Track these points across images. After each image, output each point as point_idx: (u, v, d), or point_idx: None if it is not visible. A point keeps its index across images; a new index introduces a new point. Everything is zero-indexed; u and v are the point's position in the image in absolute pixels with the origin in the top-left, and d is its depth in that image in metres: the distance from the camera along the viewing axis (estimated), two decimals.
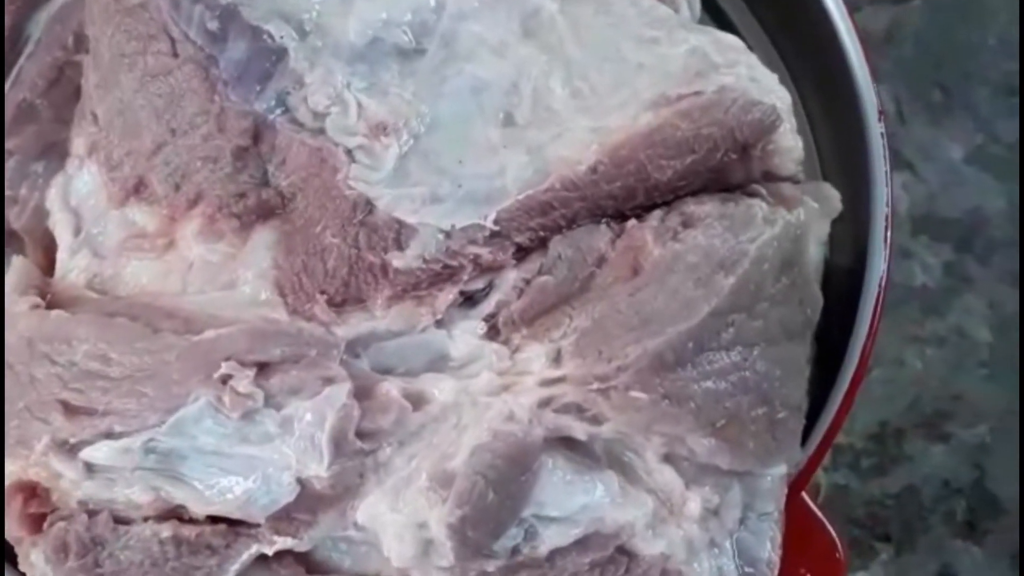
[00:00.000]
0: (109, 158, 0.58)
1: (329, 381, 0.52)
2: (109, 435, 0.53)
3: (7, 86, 0.61)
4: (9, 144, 0.61)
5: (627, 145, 0.54)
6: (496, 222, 0.54)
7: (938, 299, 0.91)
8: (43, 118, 0.61)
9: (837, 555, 0.66)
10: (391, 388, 0.53)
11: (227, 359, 0.52)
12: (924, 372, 0.91)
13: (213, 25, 0.56)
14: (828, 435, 0.64)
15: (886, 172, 0.67)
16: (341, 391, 0.52)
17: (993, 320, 0.92)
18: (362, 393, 0.52)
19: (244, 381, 0.51)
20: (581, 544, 0.54)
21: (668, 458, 0.55)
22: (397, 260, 0.54)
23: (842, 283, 0.66)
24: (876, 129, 0.66)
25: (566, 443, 0.55)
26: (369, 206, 0.54)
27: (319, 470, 0.51)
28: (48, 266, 0.63)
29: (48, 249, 0.64)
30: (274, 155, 0.56)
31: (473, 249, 0.54)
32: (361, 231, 0.54)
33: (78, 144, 0.61)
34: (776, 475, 0.58)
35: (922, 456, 0.90)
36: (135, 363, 0.53)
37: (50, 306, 0.58)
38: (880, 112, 0.67)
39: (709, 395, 0.53)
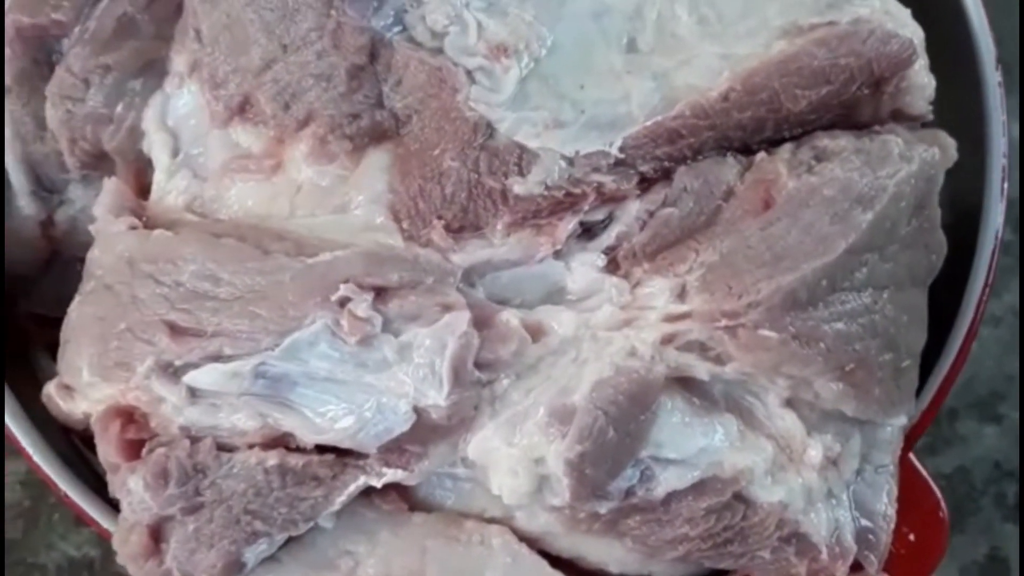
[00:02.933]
0: (213, 76, 0.56)
1: (447, 308, 0.50)
2: (218, 358, 0.50)
3: (104, 2, 0.58)
4: (107, 59, 0.58)
5: (761, 72, 0.52)
6: (621, 149, 0.52)
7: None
8: (143, 34, 0.59)
9: (941, 515, 0.63)
10: (511, 318, 0.50)
11: (345, 282, 0.49)
12: (979, 352, 0.89)
13: None
14: (940, 392, 0.61)
15: (1003, 122, 0.64)
16: (461, 319, 0.50)
17: None
18: (480, 322, 0.50)
19: (363, 305, 0.49)
20: (697, 488, 0.52)
21: (790, 403, 0.53)
22: (518, 186, 0.52)
23: (950, 236, 0.63)
24: (993, 78, 0.64)
25: (684, 383, 0.53)
26: (490, 129, 0.52)
27: (438, 399, 0.49)
28: (139, 189, 0.61)
29: (140, 172, 0.62)
30: (390, 75, 0.53)
31: (597, 177, 0.52)
32: (482, 155, 0.52)
33: (179, 62, 0.58)
34: (896, 426, 0.55)
35: (975, 437, 0.88)
36: (247, 284, 0.51)
37: (147, 228, 0.56)
38: (997, 61, 0.65)
39: (840, 337, 0.51)
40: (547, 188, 0.52)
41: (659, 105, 0.52)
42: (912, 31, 0.54)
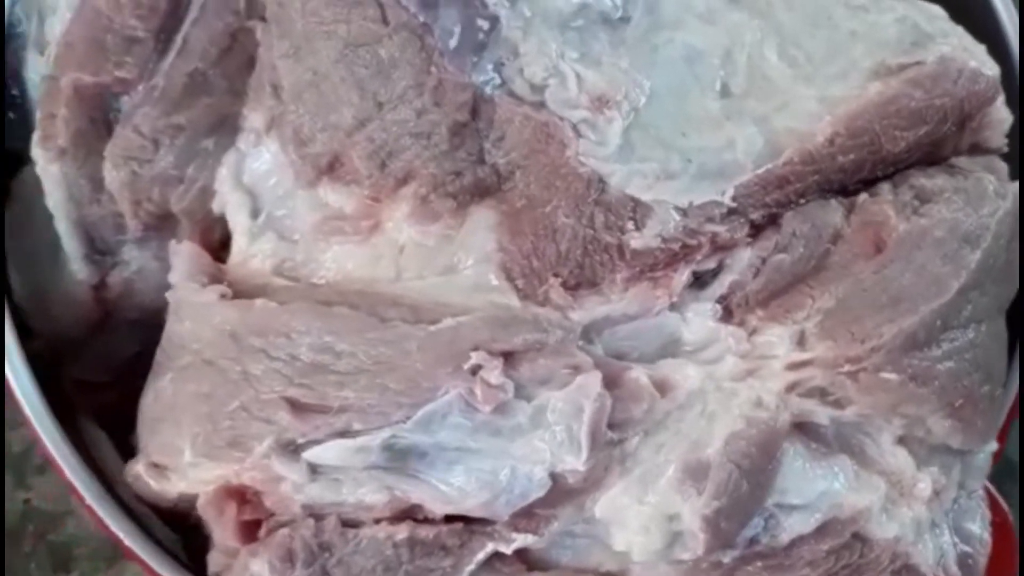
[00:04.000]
0: (297, 134, 0.54)
1: (577, 369, 0.50)
2: (344, 433, 0.49)
3: (171, 57, 0.56)
4: (179, 118, 0.56)
5: (864, 115, 0.53)
6: (733, 198, 0.52)
7: None
8: (216, 90, 0.57)
9: (1009, 533, 0.65)
10: (640, 375, 0.50)
11: (474, 349, 0.48)
12: None
13: None
14: (1011, 412, 0.63)
15: None
16: (594, 380, 0.49)
17: None
18: (609, 381, 0.50)
19: (495, 372, 0.48)
20: (819, 531, 0.53)
21: (902, 440, 0.54)
22: (635, 240, 0.51)
23: None
24: None
25: (801, 428, 0.53)
26: (602, 184, 0.52)
27: (576, 464, 0.49)
28: (206, 248, 0.59)
29: (206, 231, 0.60)
30: (492, 130, 0.53)
31: (711, 227, 0.52)
32: (596, 210, 0.52)
33: (254, 119, 0.56)
34: (988, 452, 0.57)
35: None
36: (370, 355, 0.49)
37: (235, 296, 0.54)
38: None
39: (951, 374, 0.52)
40: (663, 240, 0.51)
41: (764, 151, 0.52)
42: (991, 67, 0.55)
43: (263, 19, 0.57)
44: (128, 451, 0.63)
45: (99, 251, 0.61)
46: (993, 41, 0.63)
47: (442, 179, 0.52)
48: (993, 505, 0.64)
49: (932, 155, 0.56)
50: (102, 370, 0.65)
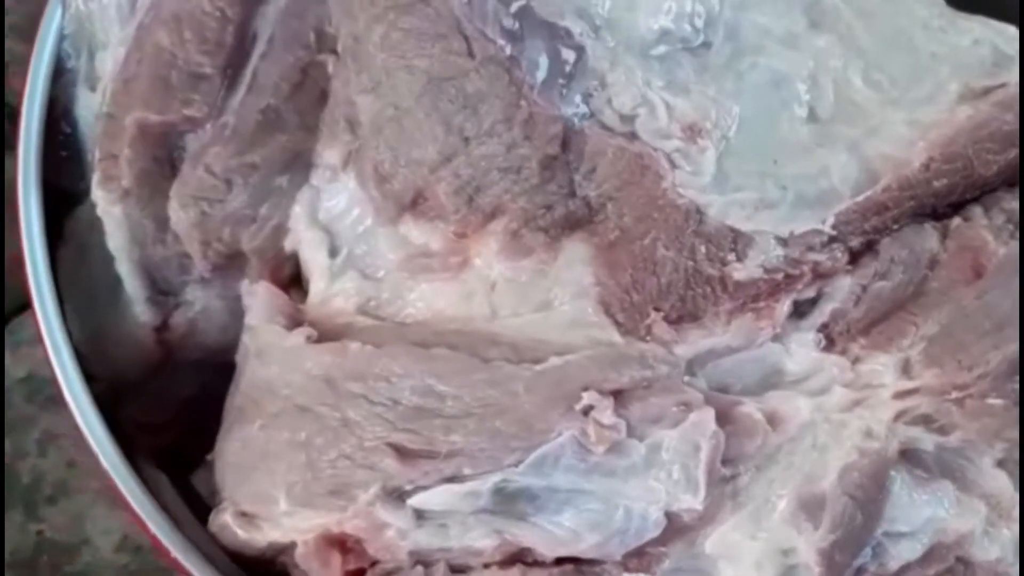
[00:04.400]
0: (378, 170, 0.53)
1: (687, 406, 0.49)
2: (453, 478, 0.47)
3: (241, 93, 0.54)
4: (253, 157, 0.54)
5: (957, 140, 0.53)
6: (833, 226, 0.51)
7: None
8: (289, 126, 0.55)
9: None
10: (753, 411, 0.49)
11: (585, 389, 0.47)
12: None
13: (510, 22, 0.51)
14: None
15: None
16: (708, 417, 0.48)
17: None
18: (721, 417, 0.49)
19: (607, 412, 0.47)
20: (925, 557, 0.52)
21: (1002, 463, 0.53)
22: (738, 272, 0.50)
23: None
24: None
25: (905, 455, 0.53)
26: (700, 214, 0.51)
27: (694, 503, 0.48)
28: (276, 286, 0.57)
29: (276, 268, 0.58)
30: (582, 163, 0.52)
31: (812, 256, 0.51)
32: (697, 241, 0.51)
33: (330, 155, 0.55)
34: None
35: None
36: (477, 397, 0.48)
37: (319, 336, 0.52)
38: None
39: None
40: (766, 271, 0.51)
41: (861, 178, 0.52)
42: None
43: (335, 52, 0.55)
44: (187, 492, 0.62)
45: (162, 292, 0.59)
46: None
47: (533, 213, 0.51)
48: None
49: (1014, 176, 0.56)
50: (161, 411, 0.63)
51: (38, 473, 0.75)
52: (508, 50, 0.51)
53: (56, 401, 0.66)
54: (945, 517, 0.52)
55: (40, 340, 0.55)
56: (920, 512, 0.52)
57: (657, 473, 0.48)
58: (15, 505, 0.75)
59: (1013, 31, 0.58)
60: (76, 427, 0.55)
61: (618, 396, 0.49)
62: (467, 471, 0.48)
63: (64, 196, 0.59)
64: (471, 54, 0.51)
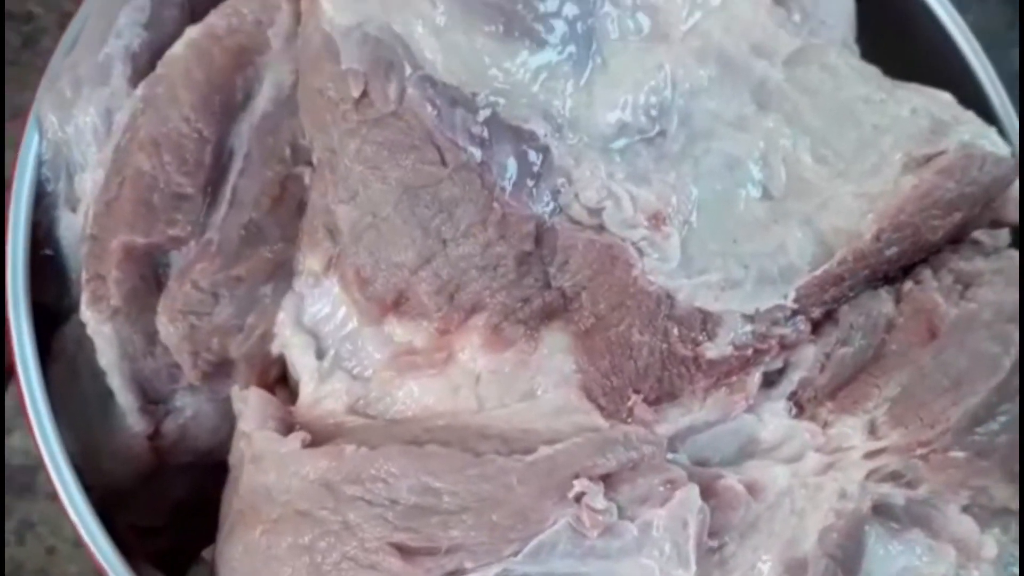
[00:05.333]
0: (359, 274, 0.55)
1: (672, 483, 0.52)
2: (456, 572, 0.50)
3: (223, 210, 0.57)
4: (239, 270, 0.57)
5: (904, 210, 0.56)
6: (795, 300, 0.54)
7: None
8: (271, 238, 0.57)
9: None
10: (733, 483, 0.52)
11: (576, 476, 0.50)
12: None
13: (478, 129, 0.53)
14: None
15: None
16: (693, 493, 0.51)
17: None
18: (703, 490, 0.52)
19: (598, 497, 0.50)
20: None
21: (967, 508, 0.57)
22: (710, 351, 0.53)
23: None
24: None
25: (877, 509, 0.56)
26: (670, 299, 0.54)
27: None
28: (264, 389, 0.60)
29: (263, 372, 0.60)
30: (555, 256, 0.54)
31: (778, 329, 0.54)
32: (669, 325, 0.54)
33: (312, 262, 0.57)
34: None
35: None
36: (472, 492, 0.50)
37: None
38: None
39: (1009, 444, 0.56)
40: (736, 348, 0.54)
41: (817, 252, 0.55)
42: (1005, 147, 0.59)
43: (310, 164, 0.57)
44: None
45: (152, 401, 0.61)
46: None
47: (512, 307, 0.54)
48: None
49: (958, 233, 0.59)
50: (156, 515, 0.65)
51: (17, 562, 0.76)
52: (478, 156, 0.54)
53: (31, 490, 0.67)
54: (919, 565, 0.55)
55: (37, 450, 0.57)
56: (895, 562, 0.55)
57: (650, 551, 0.51)
58: None
59: (947, 97, 0.61)
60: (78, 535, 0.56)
61: (606, 479, 0.51)
62: (468, 564, 0.50)
63: (49, 314, 0.61)
64: (444, 163, 0.53)
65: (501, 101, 0.54)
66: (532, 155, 0.55)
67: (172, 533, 0.65)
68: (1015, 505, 0.57)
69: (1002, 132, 0.67)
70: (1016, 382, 0.56)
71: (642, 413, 0.53)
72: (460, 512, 0.50)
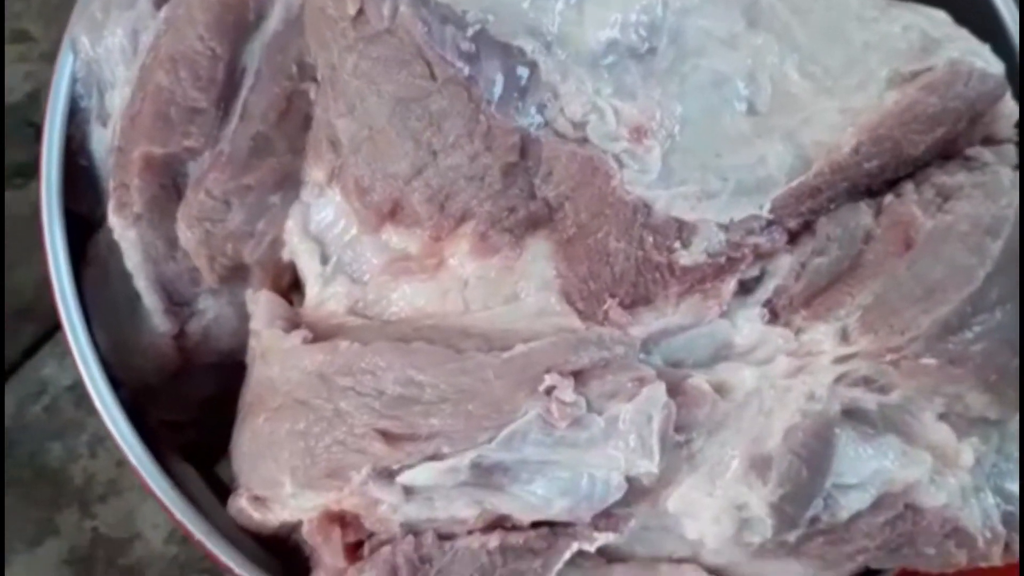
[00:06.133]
0: (359, 185, 0.59)
1: (640, 381, 0.54)
2: (434, 457, 0.54)
3: (234, 123, 0.60)
4: (248, 179, 0.61)
5: (884, 124, 0.57)
6: (771, 211, 0.56)
7: None
8: (278, 150, 0.61)
9: None
10: (700, 381, 0.55)
11: (547, 371, 0.53)
12: None
13: (467, 45, 0.56)
14: None
15: None
16: (659, 390, 0.54)
17: None
18: (672, 389, 0.55)
19: (568, 391, 0.53)
20: (874, 506, 0.57)
21: (943, 416, 0.58)
22: (684, 258, 0.56)
23: None
24: None
25: (850, 413, 0.58)
26: (647, 208, 0.56)
27: (650, 467, 0.54)
28: (280, 293, 0.64)
29: (278, 276, 0.64)
30: (540, 167, 0.57)
31: (752, 239, 0.56)
32: (645, 233, 0.56)
33: (316, 172, 0.61)
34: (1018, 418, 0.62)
35: None
36: (452, 384, 0.54)
37: (314, 336, 0.59)
38: None
39: (984, 354, 0.57)
40: (709, 256, 0.56)
41: (796, 165, 0.57)
42: (996, 65, 0.60)
43: (315, 80, 0.61)
44: (212, 481, 0.69)
45: (177, 303, 0.65)
46: (995, 38, 0.68)
47: (498, 216, 0.57)
48: None
49: (948, 149, 0.60)
50: (183, 410, 0.70)
51: (90, 474, 0.83)
52: (466, 71, 0.56)
53: None
54: (891, 468, 0.57)
55: (70, 353, 0.62)
56: (867, 465, 0.57)
57: (616, 443, 0.54)
58: (70, 504, 0.83)
59: (942, 15, 0.62)
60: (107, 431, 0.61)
61: (578, 376, 0.54)
62: (446, 450, 0.54)
63: (85, 222, 0.66)
64: (433, 77, 0.57)
65: (490, 18, 0.57)
66: (520, 70, 0.57)
67: (200, 428, 0.70)
68: (994, 414, 0.59)
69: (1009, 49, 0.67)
70: (994, 294, 0.57)
71: (616, 316, 0.56)
72: (440, 402, 0.54)
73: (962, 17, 0.67)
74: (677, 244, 0.56)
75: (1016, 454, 0.62)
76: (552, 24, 0.58)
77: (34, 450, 0.83)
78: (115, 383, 0.66)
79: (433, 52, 0.56)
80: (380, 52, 0.57)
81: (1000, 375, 0.58)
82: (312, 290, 0.60)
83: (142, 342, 0.66)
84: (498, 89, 0.56)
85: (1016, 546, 0.61)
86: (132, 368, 0.67)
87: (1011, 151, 0.61)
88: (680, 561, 0.59)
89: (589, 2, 0.59)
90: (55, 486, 0.83)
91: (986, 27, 0.68)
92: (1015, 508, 0.61)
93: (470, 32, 0.56)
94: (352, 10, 0.57)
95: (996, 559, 0.60)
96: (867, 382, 0.57)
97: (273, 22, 0.62)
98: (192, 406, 0.70)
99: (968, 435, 0.59)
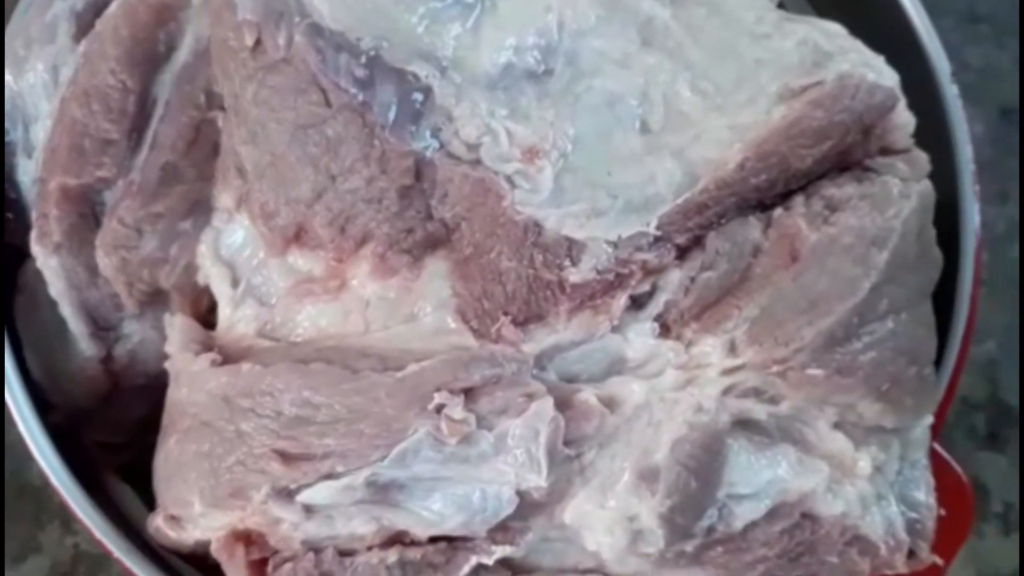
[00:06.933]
0: (264, 209, 0.60)
1: (531, 397, 0.56)
2: (330, 476, 0.55)
3: (144, 152, 0.62)
4: (158, 207, 0.63)
5: (770, 140, 0.58)
6: (658, 227, 0.58)
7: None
8: (187, 178, 0.63)
9: (964, 490, 0.71)
10: (589, 396, 0.56)
11: (437, 390, 0.55)
12: None
13: (361, 72, 0.58)
14: (952, 380, 0.69)
15: (966, 132, 0.71)
16: (547, 405, 0.55)
17: (986, 239, 0.97)
18: (561, 404, 0.56)
19: (457, 408, 0.55)
20: (770, 515, 0.58)
21: (838, 425, 0.60)
22: (573, 275, 0.57)
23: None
24: (951, 91, 0.71)
25: (744, 424, 0.59)
26: (538, 228, 0.57)
27: (539, 481, 0.55)
28: (198, 315, 0.66)
29: (196, 300, 0.66)
30: (436, 189, 0.58)
31: (640, 255, 0.58)
32: (535, 252, 0.57)
33: (225, 198, 0.62)
34: (925, 425, 0.63)
35: None
36: (345, 404, 0.55)
37: (224, 359, 0.60)
38: (952, 75, 0.72)
39: (874, 363, 0.58)
40: (598, 273, 0.57)
41: (683, 182, 0.58)
42: (890, 77, 0.61)
43: (223, 108, 0.63)
44: (151, 499, 0.70)
45: (102, 328, 0.67)
46: (906, 48, 0.69)
47: (396, 237, 0.59)
48: (945, 469, 0.70)
49: (843, 161, 0.62)
50: (117, 431, 0.72)
51: None
52: (360, 97, 0.58)
53: None
54: (785, 478, 0.58)
55: None
56: (760, 475, 0.58)
57: (505, 458, 0.55)
58: (52, 521, 0.85)
59: (836, 28, 0.63)
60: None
61: (469, 393, 0.56)
62: (340, 468, 0.55)
63: (15, 252, 0.68)
64: (328, 103, 0.58)
65: (384, 44, 0.59)
66: (414, 95, 0.59)
67: (135, 448, 0.72)
68: (889, 423, 0.60)
69: (925, 63, 0.68)
70: (883, 304, 0.58)
71: (509, 333, 0.57)
72: (334, 423, 0.56)
73: (874, 26, 0.68)
74: (567, 262, 0.57)
75: (923, 460, 0.63)
76: (447, 48, 0.59)
77: (15, 469, 0.86)
78: (49, 406, 0.67)
79: (327, 79, 0.58)
80: (278, 81, 0.59)
81: (893, 383, 0.59)
82: (224, 312, 0.62)
83: (72, 366, 0.68)
84: (392, 114, 0.58)
85: (924, 553, 0.62)
86: (64, 392, 0.69)
87: (905, 161, 0.62)
88: (586, 572, 0.60)
89: (485, 26, 0.60)
90: (37, 504, 0.85)
91: (898, 35, 0.69)
92: (922, 516, 0.61)
93: (364, 59, 0.58)
94: (250, 41, 0.58)
95: (900, 566, 0.61)
96: (757, 393, 0.58)
97: (183, 53, 0.63)
98: (125, 427, 0.72)
99: (866, 444, 0.60)
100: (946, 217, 0.70)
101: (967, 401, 0.97)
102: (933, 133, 0.71)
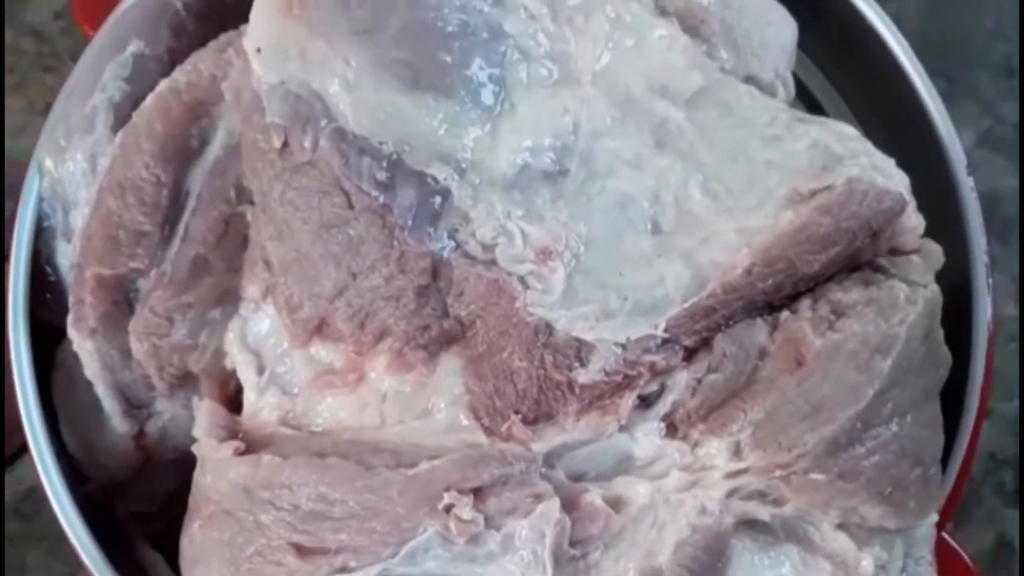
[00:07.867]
0: (289, 302, 0.63)
1: (538, 497, 0.57)
2: (343, 570, 0.57)
3: (176, 244, 0.65)
4: (188, 298, 0.65)
5: (777, 246, 0.60)
6: (666, 330, 0.59)
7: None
8: (216, 270, 0.65)
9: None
10: (595, 498, 0.58)
11: (447, 489, 0.57)
12: None
13: (382, 175, 0.60)
14: (962, 472, 0.70)
15: (981, 224, 0.72)
16: (553, 507, 0.57)
17: (1019, 295, 0.97)
18: (568, 505, 0.58)
19: (466, 508, 0.56)
20: None
21: (842, 526, 0.61)
22: (582, 376, 0.59)
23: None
24: (967, 183, 0.72)
25: (748, 524, 0.60)
26: (549, 328, 0.59)
27: None
28: (225, 398, 0.68)
29: (224, 383, 0.69)
30: (452, 288, 0.60)
31: (648, 357, 0.59)
32: (545, 353, 0.59)
33: (252, 289, 0.65)
34: (929, 523, 0.64)
35: None
36: (359, 501, 0.57)
37: (247, 446, 0.63)
38: (968, 167, 0.73)
39: (877, 468, 0.59)
40: (607, 374, 0.59)
41: (692, 285, 0.60)
42: (899, 180, 0.62)
43: (251, 202, 0.65)
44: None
45: (135, 406, 0.70)
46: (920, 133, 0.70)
47: (412, 333, 0.61)
48: (952, 556, 0.71)
49: (851, 263, 0.63)
50: (149, 502, 0.75)
51: None
52: (381, 199, 0.60)
53: None
54: None
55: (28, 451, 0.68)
56: (763, 575, 0.59)
57: (512, 558, 0.57)
58: (40, 547, 0.88)
59: (849, 130, 0.64)
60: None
61: (478, 493, 0.58)
62: (353, 564, 0.58)
63: (53, 330, 0.71)
64: (351, 205, 0.61)
65: (406, 148, 0.61)
66: (433, 197, 0.61)
67: (166, 518, 0.75)
68: (892, 524, 0.61)
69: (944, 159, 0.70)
70: (887, 409, 0.59)
71: (519, 432, 0.59)
72: (348, 518, 0.58)
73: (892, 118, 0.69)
74: (576, 363, 0.59)
75: (928, 556, 0.64)
76: (466, 151, 0.61)
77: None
78: (84, 478, 0.71)
79: (350, 183, 0.60)
80: (303, 182, 0.61)
81: (896, 487, 0.60)
82: (249, 398, 0.65)
83: (106, 441, 0.71)
84: (411, 216, 0.60)
85: None
86: (99, 465, 0.72)
87: (913, 264, 0.63)
88: None
89: (504, 128, 0.62)
90: None
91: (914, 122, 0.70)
92: None
93: (385, 163, 0.60)
94: (278, 143, 0.61)
95: None
96: (761, 496, 0.59)
97: (215, 148, 0.66)
98: (157, 498, 0.75)
99: (869, 544, 0.61)
100: (958, 308, 0.71)
101: (995, 457, 0.96)
102: (948, 222, 0.72)
